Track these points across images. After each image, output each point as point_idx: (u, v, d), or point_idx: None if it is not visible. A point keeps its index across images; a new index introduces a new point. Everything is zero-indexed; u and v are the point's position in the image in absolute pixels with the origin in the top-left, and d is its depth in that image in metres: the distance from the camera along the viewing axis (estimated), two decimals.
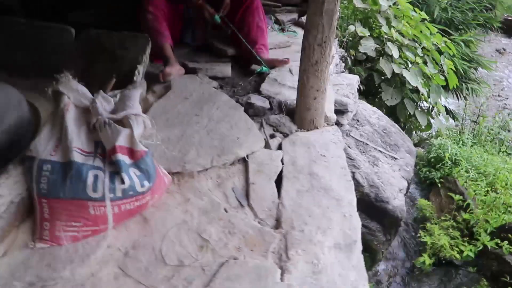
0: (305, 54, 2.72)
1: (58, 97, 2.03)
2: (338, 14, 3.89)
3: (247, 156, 2.53)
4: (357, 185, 3.36)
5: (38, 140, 1.92)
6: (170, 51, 3.38)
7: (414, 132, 6.49)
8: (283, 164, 2.51)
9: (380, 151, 3.89)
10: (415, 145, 5.70)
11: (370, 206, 3.51)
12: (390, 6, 5.65)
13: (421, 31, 5.61)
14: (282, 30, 4.49)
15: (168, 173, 2.20)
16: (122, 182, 1.87)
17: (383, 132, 4.14)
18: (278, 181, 2.38)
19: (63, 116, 1.95)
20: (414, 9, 5.84)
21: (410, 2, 5.98)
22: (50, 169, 1.85)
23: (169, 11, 3.57)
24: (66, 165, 1.85)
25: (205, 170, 2.37)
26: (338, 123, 3.41)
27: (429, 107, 6.12)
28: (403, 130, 5.02)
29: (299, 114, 2.91)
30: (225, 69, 3.54)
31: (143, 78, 3.06)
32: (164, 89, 3.11)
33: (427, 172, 5.29)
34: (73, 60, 3.13)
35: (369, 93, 5.77)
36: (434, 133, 6.73)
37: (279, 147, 2.70)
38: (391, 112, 5.48)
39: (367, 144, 3.84)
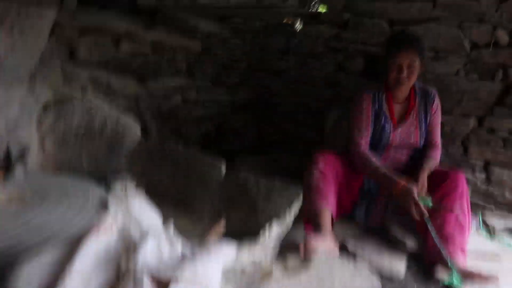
0: None
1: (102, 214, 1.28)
2: None
3: None
4: None
5: (30, 267, 1.15)
6: (328, 221, 2.53)
7: None
8: None
9: None
10: None
11: None
12: None
13: None
14: (491, 237, 3.24)
15: None
16: None
17: None
18: None
19: (83, 242, 1.17)
20: None
21: None
22: None
23: (344, 175, 2.82)
24: None
25: None
26: None
27: None
28: None
29: None
30: (397, 267, 2.47)
31: (278, 242, 2.23)
32: (299, 266, 2.18)
33: None
34: (214, 198, 2.80)
35: None
36: None
37: None
38: None
39: None
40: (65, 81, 3.31)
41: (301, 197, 2.37)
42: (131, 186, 1.35)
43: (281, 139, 4.64)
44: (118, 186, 1.34)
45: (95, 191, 2.41)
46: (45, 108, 3.09)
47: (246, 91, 4.87)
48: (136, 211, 1.29)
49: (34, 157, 2.91)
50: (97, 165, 3.12)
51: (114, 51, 3.62)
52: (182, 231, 2.66)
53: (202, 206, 2.78)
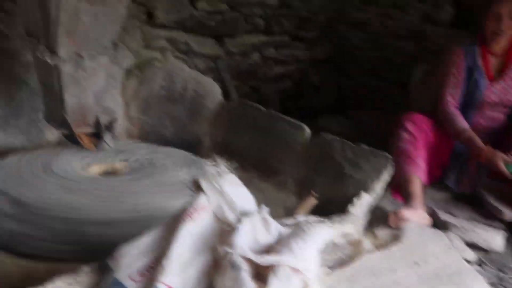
0: None
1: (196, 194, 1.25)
2: None
3: None
4: None
5: (130, 247, 1.16)
6: (418, 189, 2.41)
7: None
8: None
9: None
10: None
11: None
12: None
13: None
14: None
15: None
16: None
17: None
18: None
19: (179, 225, 1.15)
20: None
21: None
22: None
23: (435, 138, 2.65)
24: None
25: None
26: None
27: None
28: None
29: None
30: (494, 239, 2.32)
31: (367, 212, 2.15)
32: (390, 237, 2.10)
33: None
34: (298, 162, 2.65)
35: None
36: None
37: None
38: None
39: None
40: (145, 44, 3.32)
41: (390, 163, 2.24)
42: (223, 165, 1.32)
43: (362, 96, 4.47)
44: (210, 165, 1.31)
45: (187, 162, 2.46)
46: (128, 73, 3.13)
47: (325, 46, 4.70)
48: (229, 192, 1.26)
49: (120, 123, 2.99)
50: (180, 129, 3.14)
51: (191, 10, 3.56)
52: (265, 196, 2.67)
53: (286, 170, 2.73)
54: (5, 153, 2.58)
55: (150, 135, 3.12)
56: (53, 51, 2.13)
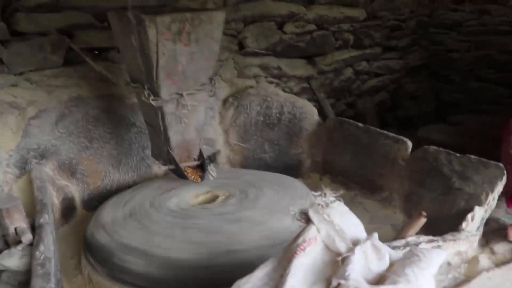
0: None
1: (305, 226, 1.28)
2: None
3: None
4: None
5: (247, 279, 1.21)
6: None
7: None
8: None
9: None
10: None
11: None
12: None
13: None
14: None
15: None
16: None
17: None
18: None
19: (291, 258, 1.19)
20: None
21: None
22: None
23: None
24: None
25: None
26: None
27: None
28: None
29: None
30: None
31: (481, 226, 2.05)
32: (510, 252, 1.99)
33: None
34: (402, 177, 2.63)
35: None
36: None
37: None
38: None
39: None
40: (238, 73, 3.44)
41: (503, 172, 2.11)
42: (330, 194, 1.33)
43: (463, 100, 4.27)
44: (317, 195, 1.33)
45: (296, 189, 2.50)
46: (224, 103, 3.26)
47: (418, 52, 4.57)
48: (339, 221, 1.27)
49: (221, 151, 3.12)
50: (279, 152, 3.20)
51: (279, 34, 3.64)
52: (370, 214, 2.63)
53: (390, 186, 2.68)
54: (121, 189, 2.80)
55: (251, 161, 3.22)
56: (156, 94, 2.28)
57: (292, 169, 3.15)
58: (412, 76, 4.54)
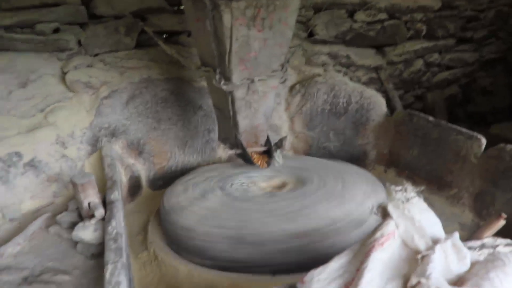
0: None
1: (383, 220, 1.24)
2: None
3: None
4: None
5: (322, 270, 1.19)
6: None
7: None
8: None
9: None
10: None
11: None
12: None
13: None
14: None
15: None
16: None
17: None
18: None
19: (369, 252, 1.15)
20: None
21: None
22: None
23: None
24: None
25: None
26: None
27: None
28: None
29: None
30: None
31: None
32: None
33: None
34: (473, 175, 2.51)
35: None
36: None
37: None
38: None
39: None
40: (307, 60, 3.40)
41: None
42: (412, 190, 1.28)
43: None
44: (397, 190, 1.28)
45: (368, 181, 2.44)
46: (291, 90, 3.23)
47: (495, 44, 4.33)
48: (418, 218, 1.22)
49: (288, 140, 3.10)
50: (344, 142, 3.15)
51: (350, 23, 3.56)
52: (436, 211, 2.52)
53: (459, 184, 2.57)
54: (185, 171, 2.84)
55: (315, 149, 3.18)
56: (227, 79, 2.28)
57: (357, 160, 3.08)
58: (486, 70, 4.32)
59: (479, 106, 4.24)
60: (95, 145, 2.63)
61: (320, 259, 1.28)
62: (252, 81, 2.32)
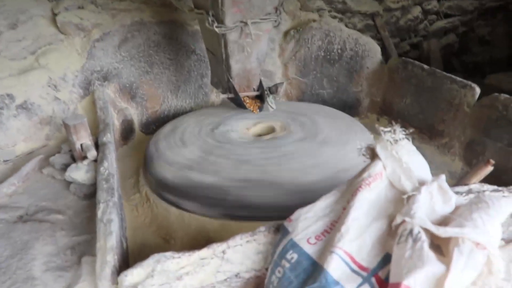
0: None
1: (371, 161, 1.26)
2: None
3: None
4: None
5: (309, 208, 1.22)
6: None
7: None
8: None
9: None
10: None
11: None
12: None
13: None
14: None
15: None
16: None
17: None
18: None
19: (356, 191, 1.17)
20: None
21: None
22: (294, 261, 1.14)
23: None
24: (316, 269, 1.09)
25: None
26: None
27: None
28: None
29: None
30: None
31: None
32: None
33: None
34: (465, 124, 2.51)
35: None
36: None
37: None
38: None
39: None
40: (302, 5, 3.33)
41: None
42: (400, 131, 1.28)
43: None
44: (386, 131, 1.28)
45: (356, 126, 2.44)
46: (285, 35, 3.18)
47: None
48: (406, 159, 1.23)
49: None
50: (337, 89, 3.14)
51: None
52: (427, 159, 2.54)
53: (451, 133, 2.59)
54: (178, 115, 2.84)
55: (308, 96, 3.18)
56: (220, 21, 2.24)
57: (350, 107, 3.09)
58: (486, 18, 4.24)
59: (476, 56, 4.21)
60: (87, 89, 2.61)
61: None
62: (246, 23, 2.28)
